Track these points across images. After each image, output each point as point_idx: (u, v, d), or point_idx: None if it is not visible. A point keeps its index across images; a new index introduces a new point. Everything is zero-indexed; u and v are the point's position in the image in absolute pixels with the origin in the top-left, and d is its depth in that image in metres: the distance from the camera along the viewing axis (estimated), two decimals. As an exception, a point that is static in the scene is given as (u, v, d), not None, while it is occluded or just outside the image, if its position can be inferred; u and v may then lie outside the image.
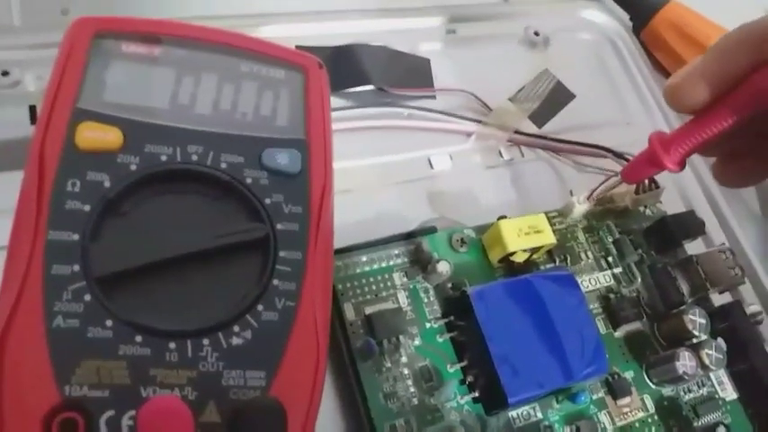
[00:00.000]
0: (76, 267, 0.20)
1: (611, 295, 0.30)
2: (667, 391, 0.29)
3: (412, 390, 0.26)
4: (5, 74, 0.29)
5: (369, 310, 0.26)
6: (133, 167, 0.22)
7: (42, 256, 0.20)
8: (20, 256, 0.20)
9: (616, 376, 0.29)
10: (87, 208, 0.21)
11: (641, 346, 0.30)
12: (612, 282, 0.31)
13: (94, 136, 0.22)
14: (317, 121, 0.25)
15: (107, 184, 0.21)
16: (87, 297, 0.20)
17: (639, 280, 0.31)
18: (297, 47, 0.31)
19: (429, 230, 0.29)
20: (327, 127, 0.26)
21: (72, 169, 0.21)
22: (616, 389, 0.28)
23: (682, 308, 0.29)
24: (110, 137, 0.22)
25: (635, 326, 0.30)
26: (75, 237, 0.20)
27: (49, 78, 0.22)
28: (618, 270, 0.31)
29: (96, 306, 0.20)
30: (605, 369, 0.27)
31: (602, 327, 0.30)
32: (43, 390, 0.19)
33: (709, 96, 0.22)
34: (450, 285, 0.28)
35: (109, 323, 0.20)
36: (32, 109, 0.28)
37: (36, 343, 0.19)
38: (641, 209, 0.33)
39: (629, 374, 0.29)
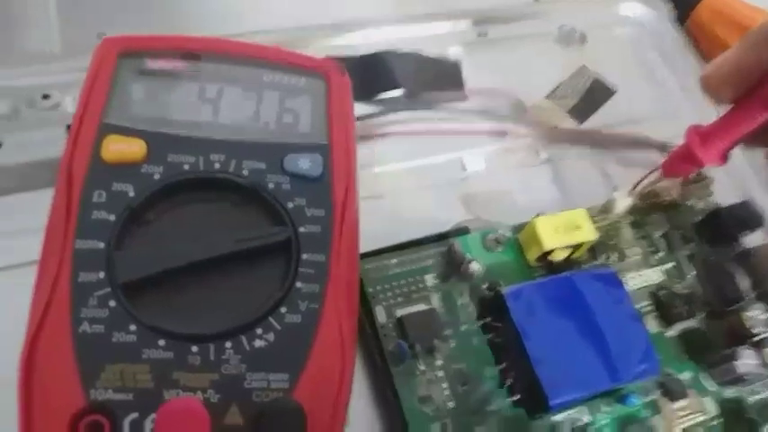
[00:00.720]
0: (102, 274, 0.20)
1: (662, 292, 0.28)
2: (730, 392, 0.27)
3: (447, 393, 0.25)
4: (46, 97, 0.30)
5: (400, 313, 0.26)
6: (156, 177, 0.22)
7: (70, 264, 0.21)
8: (50, 264, 0.21)
9: (670, 377, 0.27)
10: (113, 217, 0.21)
11: (698, 346, 0.28)
12: (663, 278, 0.29)
13: (119, 148, 0.22)
14: (339, 125, 0.25)
15: (131, 194, 0.22)
16: (112, 303, 0.20)
17: (692, 275, 0.29)
18: (326, 57, 0.31)
19: (461, 231, 0.28)
20: (350, 130, 0.25)
21: (98, 181, 0.22)
22: (671, 391, 0.26)
23: (740, 304, 0.27)
24: (134, 148, 0.23)
25: (690, 324, 0.28)
26: (101, 245, 0.21)
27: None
28: (668, 266, 0.29)
29: (121, 311, 0.20)
30: (656, 369, 0.25)
31: (653, 326, 0.28)
32: (70, 393, 0.19)
33: (742, 88, 0.21)
34: (485, 286, 0.27)
35: (133, 328, 0.20)
36: (69, 128, 0.29)
37: (64, 348, 0.19)
38: (691, 202, 0.31)
39: (685, 376, 0.27)
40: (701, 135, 0.23)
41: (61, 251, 0.21)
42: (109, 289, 0.20)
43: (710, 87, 0.22)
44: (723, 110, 0.23)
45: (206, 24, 0.36)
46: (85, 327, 0.20)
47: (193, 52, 0.25)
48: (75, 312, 0.20)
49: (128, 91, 0.24)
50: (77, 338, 0.20)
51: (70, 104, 0.30)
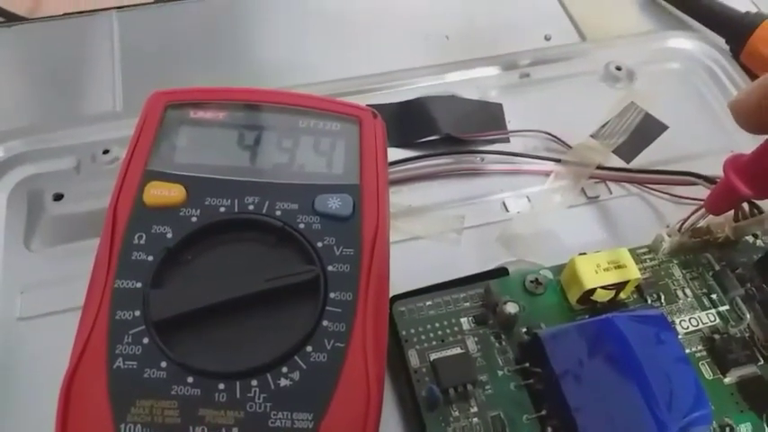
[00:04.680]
0: (137, 312, 0.21)
1: (717, 336, 0.27)
2: (796, 446, 0.25)
3: (483, 441, 0.24)
4: (106, 152, 0.32)
5: (434, 357, 0.25)
6: (194, 219, 0.23)
7: (109, 302, 0.22)
8: (92, 303, 0.22)
9: (729, 429, 0.25)
10: (151, 258, 0.22)
11: (759, 394, 0.26)
12: (718, 321, 0.27)
13: (160, 193, 0.24)
14: (370, 167, 0.26)
15: (169, 235, 0.23)
16: (145, 340, 0.21)
17: (750, 317, 0.27)
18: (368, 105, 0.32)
19: (499, 272, 0.28)
20: (381, 172, 0.26)
21: (140, 224, 0.23)
22: (728, 443, 0.24)
23: (806, 349, 0.25)
24: (173, 193, 0.24)
25: (749, 370, 0.26)
26: (139, 285, 0.22)
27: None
28: (723, 308, 0.28)
29: (153, 348, 0.21)
30: (708, 419, 0.23)
31: (707, 372, 0.26)
32: (102, 427, 0.20)
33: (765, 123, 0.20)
34: (524, 330, 0.26)
35: (163, 364, 0.21)
36: (119, 178, 0.31)
37: (99, 383, 0.20)
38: (750, 239, 0.30)
39: (745, 427, 0.25)
40: (739, 165, 0.22)
41: (102, 290, 0.22)
42: (143, 327, 0.21)
43: (736, 115, 0.21)
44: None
45: (259, 80, 0.38)
46: (119, 363, 0.20)
47: (234, 102, 0.27)
48: (111, 349, 0.21)
49: (171, 139, 0.25)
50: (112, 374, 0.20)
51: (127, 157, 0.32)
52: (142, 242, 0.23)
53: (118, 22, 0.40)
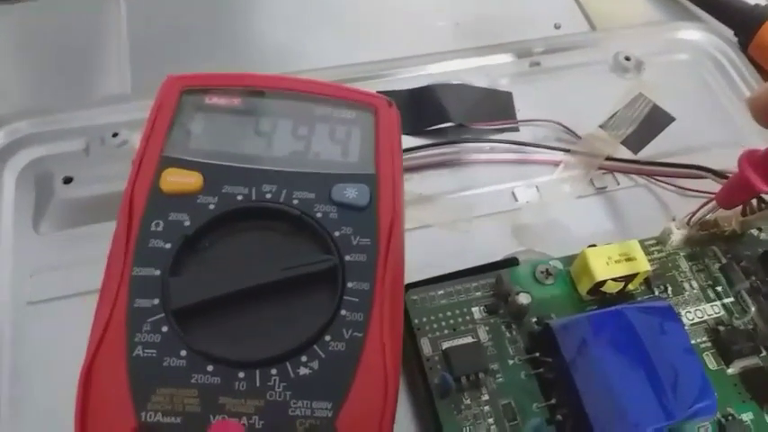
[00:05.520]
0: (156, 301, 0.21)
1: (722, 328, 0.27)
2: (796, 436, 0.25)
3: (494, 428, 0.24)
4: (115, 135, 0.32)
5: (446, 345, 0.26)
6: (211, 207, 0.23)
7: (127, 290, 0.22)
8: (110, 290, 0.22)
9: (731, 418, 0.25)
10: (168, 246, 0.22)
11: (761, 385, 0.26)
12: (723, 313, 0.28)
13: (177, 180, 0.24)
14: (385, 156, 0.26)
15: (187, 223, 0.23)
16: (165, 328, 0.21)
17: (754, 310, 0.28)
18: (378, 92, 0.32)
19: (510, 262, 0.28)
20: (397, 161, 0.26)
21: (157, 211, 0.23)
22: (731, 432, 0.25)
23: (809, 341, 0.26)
24: (191, 180, 0.24)
25: (752, 361, 0.27)
26: (157, 272, 0.22)
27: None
28: (728, 300, 0.28)
29: (172, 337, 0.21)
30: (713, 409, 0.24)
31: (711, 363, 0.27)
32: (122, 414, 0.20)
33: None
34: (534, 320, 0.27)
35: (183, 353, 0.21)
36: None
37: (118, 371, 0.20)
38: (755, 232, 0.30)
39: (746, 416, 0.26)
40: (755, 160, 0.22)
41: (120, 277, 0.22)
42: (162, 315, 0.21)
43: (754, 112, 0.21)
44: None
45: (267, 64, 0.38)
46: (139, 351, 0.21)
47: (249, 88, 0.26)
48: (130, 337, 0.21)
49: (187, 126, 0.25)
50: (131, 362, 0.20)
51: (137, 141, 0.32)
52: (159, 229, 0.23)
53: (125, 3, 0.40)
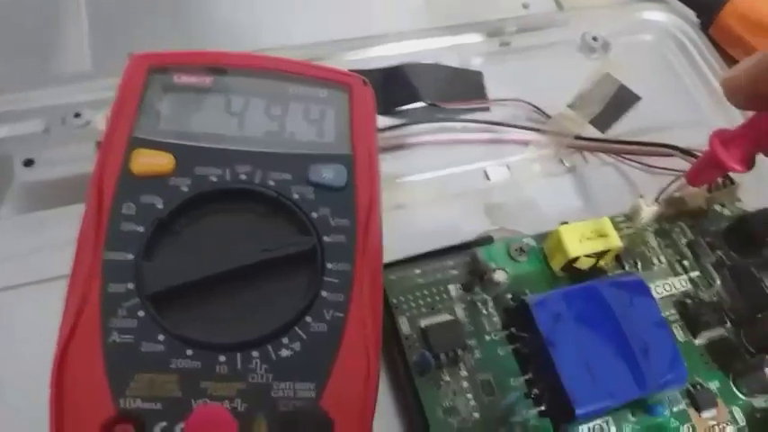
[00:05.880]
0: (131, 285, 0.21)
1: (689, 301, 0.28)
2: (759, 402, 0.26)
3: (473, 404, 0.25)
4: (77, 115, 0.31)
5: (424, 323, 0.26)
6: (184, 189, 0.23)
7: (100, 275, 0.21)
8: (80, 275, 0.21)
9: (699, 387, 0.26)
10: (141, 229, 0.22)
11: (726, 354, 0.27)
12: (689, 286, 0.29)
13: (148, 161, 0.23)
14: (362, 136, 0.25)
15: (160, 205, 0.22)
16: (141, 313, 0.21)
17: (719, 283, 0.29)
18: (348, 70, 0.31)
19: (485, 241, 0.28)
20: (373, 141, 0.26)
21: (127, 193, 0.22)
22: (699, 400, 0.26)
23: (770, 311, 0.27)
24: (162, 161, 0.23)
25: (717, 332, 0.28)
26: (130, 256, 0.21)
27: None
28: (695, 274, 0.29)
29: (149, 321, 0.20)
30: (684, 378, 0.25)
31: (680, 334, 0.28)
32: (100, 401, 0.19)
33: (756, 99, 0.21)
34: (509, 296, 0.27)
35: (161, 338, 0.20)
36: (99, 145, 0.30)
37: (94, 357, 0.20)
38: (718, 208, 0.31)
39: (713, 385, 0.27)
40: (725, 139, 0.23)
41: (91, 262, 0.21)
42: (137, 299, 0.21)
43: (728, 92, 0.21)
44: (749, 114, 0.23)
45: (233, 41, 0.37)
46: (115, 337, 0.20)
47: (219, 66, 0.26)
48: (105, 322, 0.20)
49: (156, 106, 0.24)
50: (107, 348, 0.20)
51: (100, 122, 0.31)
52: (131, 212, 0.22)
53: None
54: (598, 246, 0.27)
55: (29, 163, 0.30)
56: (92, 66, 0.34)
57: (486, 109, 0.35)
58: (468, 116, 0.34)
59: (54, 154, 0.30)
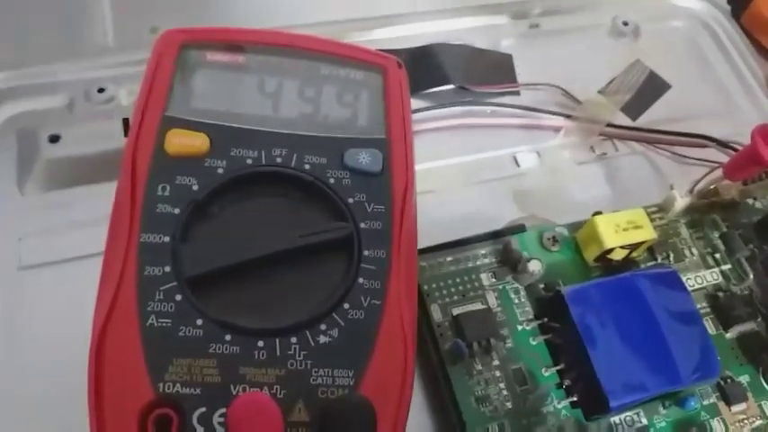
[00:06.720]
0: (167, 268, 0.20)
1: (720, 294, 0.28)
2: (790, 397, 0.26)
3: (505, 393, 0.25)
4: (101, 90, 0.30)
5: (456, 311, 0.25)
6: (220, 171, 0.22)
7: (136, 258, 0.20)
8: (115, 259, 0.21)
9: (729, 381, 0.26)
10: (177, 211, 0.21)
11: (757, 349, 0.27)
12: (721, 279, 0.29)
13: (182, 142, 0.22)
14: (396, 120, 0.25)
15: (195, 187, 0.22)
16: (178, 297, 0.20)
17: (751, 277, 0.28)
18: (377, 50, 0.31)
19: (518, 229, 0.28)
20: (408, 125, 0.25)
21: (162, 174, 0.22)
22: (730, 394, 0.26)
23: (802, 306, 0.27)
24: (197, 142, 0.23)
25: (749, 326, 0.27)
26: (166, 239, 0.21)
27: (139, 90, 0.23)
28: (726, 267, 0.29)
29: (187, 306, 0.20)
30: (716, 373, 0.25)
31: (711, 328, 0.27)
32: (139, 386, 0.19)
33: None
34: (542, 286, 0.27)
35: (199, 322, 0.20)
36: (125, 122, 0.29)
37: (131, 341, 0.19)
38: (750, 201, 0.31)
39: (743, 379, 0.27)
40: (767, 135, 0.22)
41: (126, 245, 0.21)
42: (175, 283, 0.20)
43: None
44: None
45: (256, 18, 0.36)
46: (152, 321, 0.20)
47: (254, 45, 0.25)
48: (142, 306, 0.20)
49: (189, 84, 0.24)
50: (145, 332, 0.20)
51: (125, 98, 0.30)
52: (167, 194, 0.22)
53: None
54: (633, 237, 0.27)
55: (54, 139, 0.29)
56: (113, 40, 0.33)
57: (516, 93, 0.34)
58: (498, 100, 0.34)
59: (80, 130, 0.30)
